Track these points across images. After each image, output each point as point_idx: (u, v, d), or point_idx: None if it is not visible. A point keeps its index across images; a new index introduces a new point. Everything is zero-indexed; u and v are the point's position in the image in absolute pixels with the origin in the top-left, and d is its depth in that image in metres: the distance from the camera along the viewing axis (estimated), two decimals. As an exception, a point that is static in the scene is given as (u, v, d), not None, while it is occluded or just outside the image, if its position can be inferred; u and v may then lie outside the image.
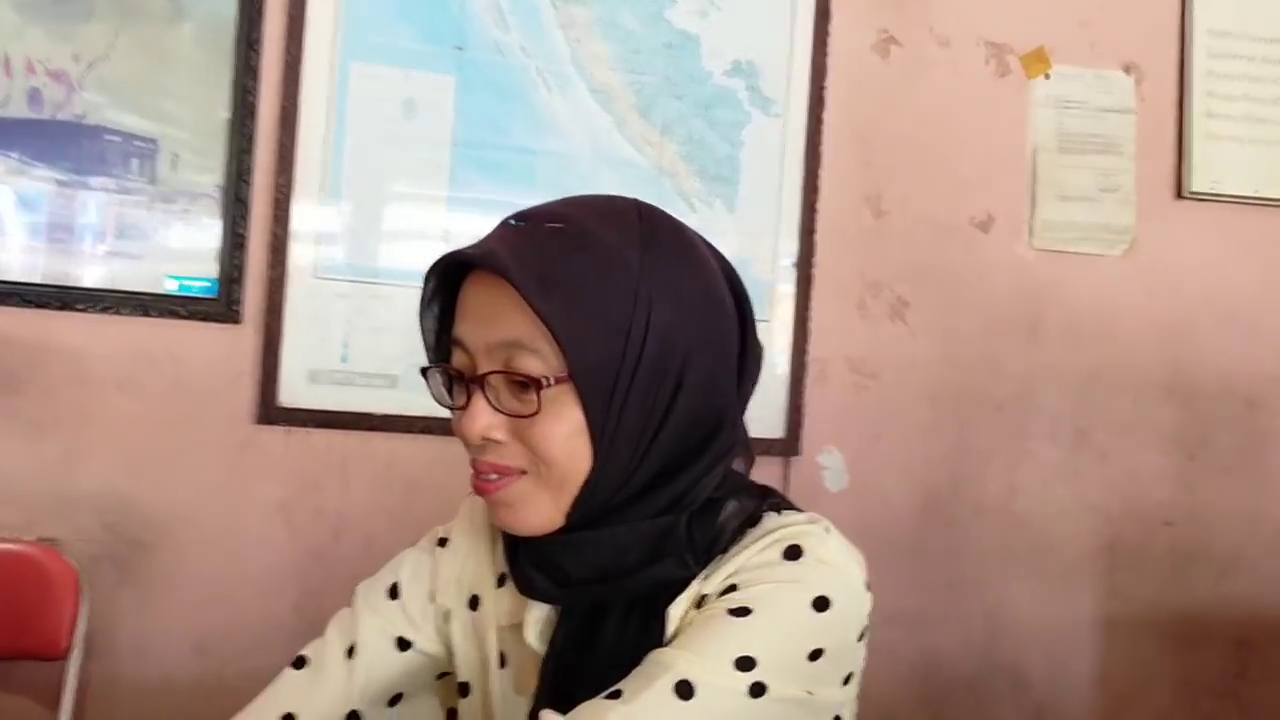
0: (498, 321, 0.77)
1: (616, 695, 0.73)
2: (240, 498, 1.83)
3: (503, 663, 0.88)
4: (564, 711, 0.73)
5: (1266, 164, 2.19)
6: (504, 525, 0.81)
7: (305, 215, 1.85)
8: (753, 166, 2.02)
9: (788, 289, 2.03)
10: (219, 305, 1.83)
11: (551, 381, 0.75)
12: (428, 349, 0.85)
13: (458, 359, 0.80)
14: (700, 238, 0.86)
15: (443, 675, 0.95)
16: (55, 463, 1.76)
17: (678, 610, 0.80)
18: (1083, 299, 2.11)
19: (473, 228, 1.90)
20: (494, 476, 0.79)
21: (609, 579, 0.79)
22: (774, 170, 2.03)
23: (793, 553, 0.79)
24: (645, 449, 0.78)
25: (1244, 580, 2.13)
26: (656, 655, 0.76)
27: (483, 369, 0.77)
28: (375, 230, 1.89)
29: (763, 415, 2.02)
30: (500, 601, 0.88)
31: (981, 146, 2.10)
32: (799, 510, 0.86)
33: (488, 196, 1.92)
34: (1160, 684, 2.12)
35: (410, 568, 0.94)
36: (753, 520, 0.83)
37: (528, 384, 0.76)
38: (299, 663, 0.92)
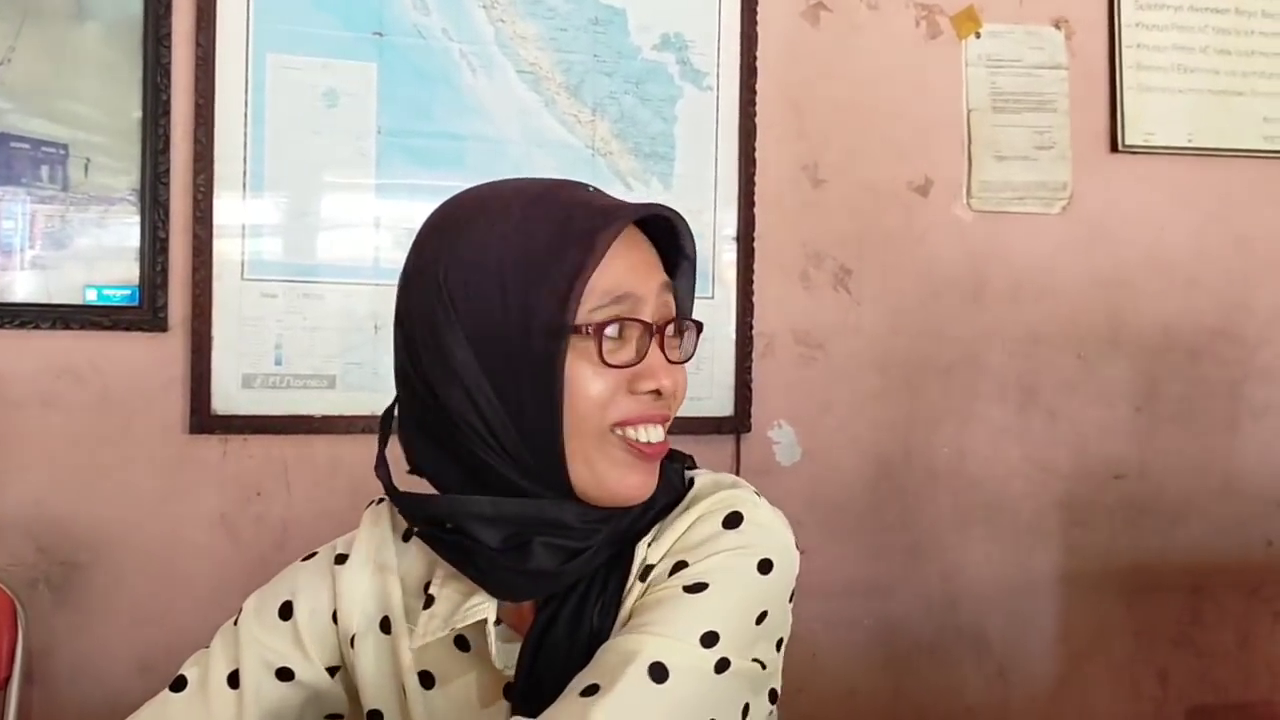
0: (658, 269, 0.79)
1: (593, 690, 0.70)
2: (178, 510, 1.78)
3: (428, 683, 0.83)
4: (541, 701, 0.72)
5: (1198, 113, 2.19)
6: (641, 496, 0.78)
7: (228, 214, 1.79)
8: (687, 141, 1.99)
9: (730, 263, 2.00)
10: (143, 313, 1.77)
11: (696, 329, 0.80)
12: (568, 309, 0.75)
13: (624, 310, 0.76)
14: None
15: (331, 717, 0.89)
16: (-19, 486, 1.70)
17: (640, 555, 0.79)
18: (1023, 258, 2.11)
19: (403, 216, 1.85)
20: (659, 436, 0.78)
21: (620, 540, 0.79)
22: (709, 144, 2.00)
23: (733, 520, 0.79)
24: None
25: (1195, 528, 2.15)
26: (621, 642, 0.74)
27: (655, 317, 0.77)
28: (302, 226, 1.84)
29: (711, 393, 2.00)
30: (431, 620, 0.82)
31: (916, 110, 2.08)
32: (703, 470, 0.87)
33: (417, 183, 1.86)
34: (1118, 635, 2.13)
35: (307, 587, 0.88)
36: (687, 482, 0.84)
37: (688, 329, 0.80)
38: (178, 684, 0.86)
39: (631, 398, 0.77)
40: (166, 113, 1.78)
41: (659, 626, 0.73)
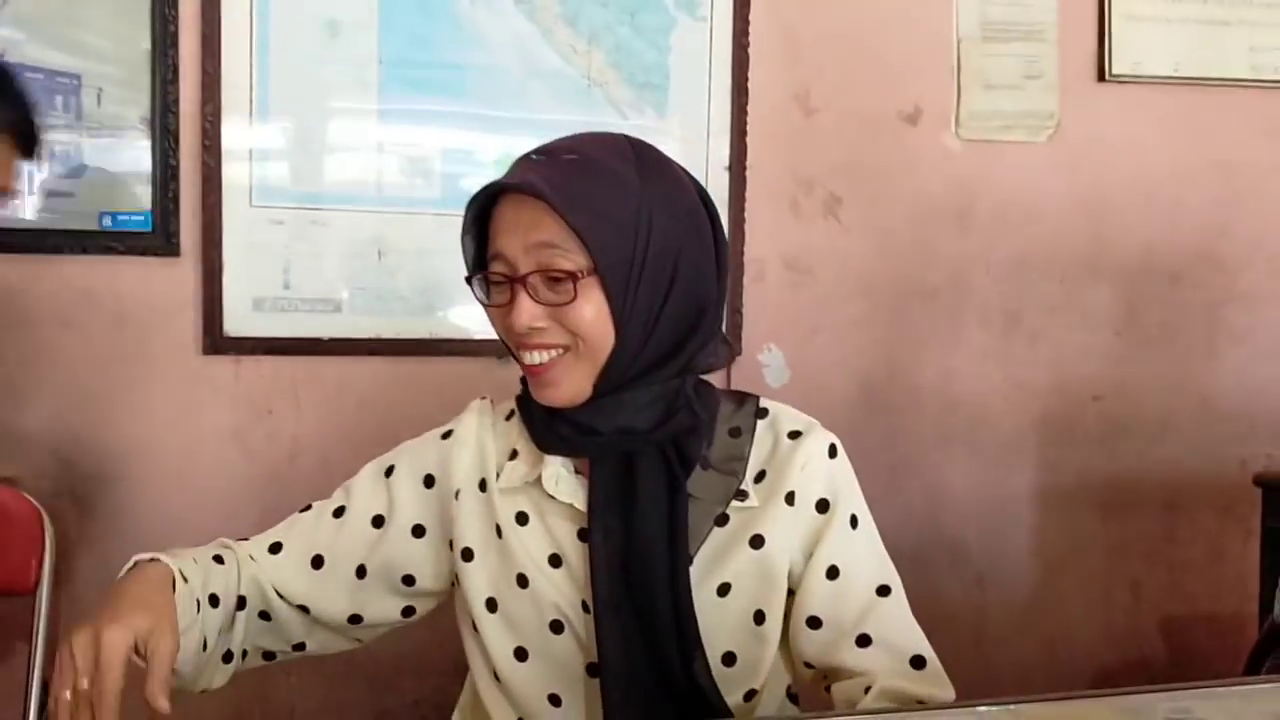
0: (533, 230, 0.95)
1: (866, 642, 1.00)
2: (194, 427, 1.87)
3: (523, 521, 1.03)
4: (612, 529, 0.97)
5: (1185, 43, 2.22)
6: (550, 401, 0.99)
7: (236, 143, 1.86)
8: (681, 71, 2.04)
9: (721, 192, 2.06)
10: (156, 239, 1.84)
11: (581, 275, 0.94)
12: (468, 264, 1.02)
13: (497, 266, 0.98)
14: (678, 165, 1.04)
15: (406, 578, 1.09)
16: (6, 404, 1.79)
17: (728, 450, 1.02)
18: (1009, 186, 2.16)
19: (404, 144, 1.91)
20: (540, 358, 0.97)
21: (633, 432, 0.99)
22: (702, 74, 2.05)
23: (833, 451, 1.05)
24: (652, 327, 0.97)
25: (1170, 448, 2.24)
26: (852, 581, 1.01)
27: (522, 270, 0.96)
28: (308, 154, 1.90)
29: (703, 317, 2.07)
30: (514, 471, 1.04)
31: (907, 39, 2.13)
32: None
33: (417, 111, 1.92)
34: (1093, 549, 2.23)
35: (409, 458, 1.10)
36: (758, 410, 1.06)
37: (562, 278, 0.94)
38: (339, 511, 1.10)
39: (517, 331, 0.97)
40: (175, 43, 1.83)
41: (853, 560, 1.03)
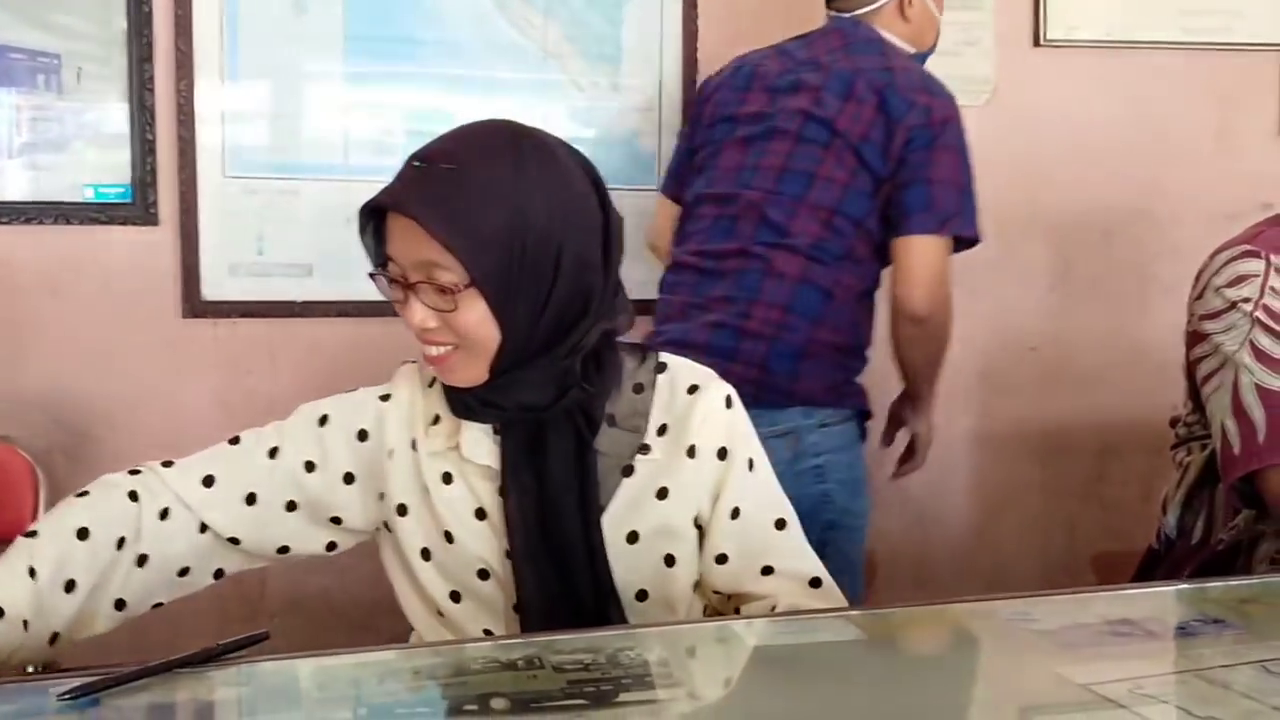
0: (417, 247, 1.02)
1: (769, 571, 1.11)
2: (176, 387, 1.99)
3: (448, 480, 1.13)
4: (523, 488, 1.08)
5: (1118, 8, 2.33)
6: (450, 382, 1.10)
7: (209, 117, 1.96)
8: (633, 44, 2.14)
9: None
10: (136, 209, 1.95)
11: (461, 287, 1.02)
12: (370, 259, 1.09)
13: (393, 269, 1.06)
14: (560, 143, 1.10)
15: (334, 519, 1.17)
16: (1, 368, 1.90)
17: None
18: (949, 148, 2.27)
19: (370, 120, 2.02)
20: (435, 351, 1.07)
21: (532, 407, 1.08)
22: (654, 46, 2.15)
23: (729, 402, 1.14)
24: (538, 319, 1.05)
25: (1102, 395, 2.36)
26: (753, 519, 1.12)
27: (412, 279, 1.04)
28: (278, 127, 2.01)
29: (657, 280, 2.18)
30: (436, 435, 1.14)
31: (850, 8, 2.22)
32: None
33: (382, 87, 2.03)
34: (1029, 492, 2.36)
35: (345, 410, 1.17)
36: (658, 365, 1.16)
37: (445, 290, 1.02)
38: (234, 440, 1.17)
39: (412, 329, 1.07)
40: (149, 23, 1.93)
41: (756, 498, 1.13)
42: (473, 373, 1.07)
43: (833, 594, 1.13)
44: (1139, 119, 2.35)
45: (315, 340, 2.02)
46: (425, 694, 0.84)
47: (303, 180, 2.00)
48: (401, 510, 1.14)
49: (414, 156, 1.05)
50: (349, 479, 1.15)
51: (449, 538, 1.11)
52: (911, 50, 1.86)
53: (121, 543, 1.08)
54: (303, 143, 2.02)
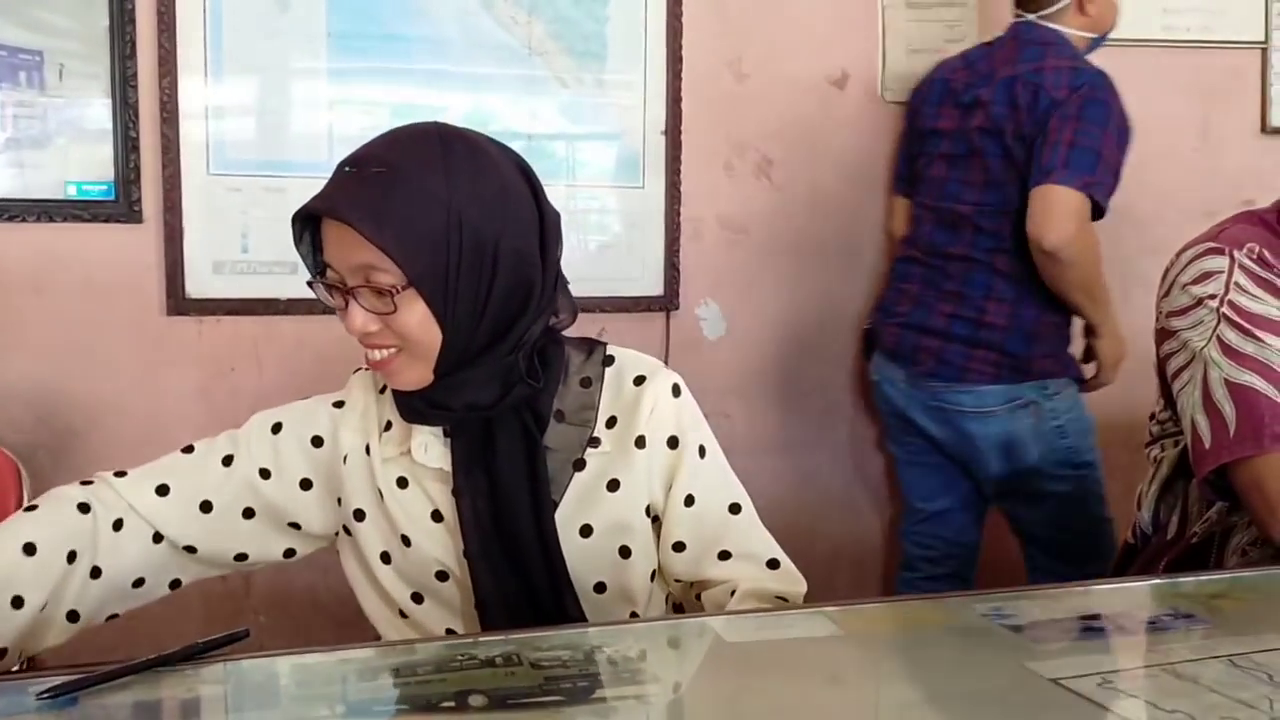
0: (352, 251, 1.02)
1: (726, 556, 1.12)
2: (161, 384, 1.99)
3: (403, 485, 1.14)
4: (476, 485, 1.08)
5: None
6: (395, 386, 1.09)
7: (192, 115, 1.96)
8: (618, 41, 2.15)
9: (659, 155, 2.18)
10: (119, 206, 1.95)
11: (399, 289, 1.01)
12: (308, 268, 1.10)
13: (331, 275, 1.06)
14: (491, 140, 1.10)
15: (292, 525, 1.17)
16: (-17, 364, 1.91)
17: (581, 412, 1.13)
18: (932, 146, 2.28)
19: (354, 117, 2.02)
20: (378, 355, 1.06)
21: (479, 406, 1.08)
22: (638, 43, 2.16)
23: (676, 390, 1.15)
24: (479, 317, 1.05)
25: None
26: (707, 506, 1.13)
27: (350, 283, 1.03)
28: (262, 125, 2.01)
29: (643, 275, 2.20)
30: (389, 441, 1.14)
31: (834, 6, 2.24)
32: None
33: (367, 84, 2.03)
34: (1012, 487, 2.38)
35: (300, 418, 1.17)
36: (605, 359, 1.16)
37: (383, 292, 1.02)
38: (188, 449, 1.17)
39: (353, 334, 1.07)
40: (132, 20, 1.93)
41: (708, 484, 1.14)
42: (417, 374, 1.06)
43: (792, 575, 1.14)
44: (1120, 116, 2.36)
45: (300, 337, 2.02)
46: (404, 691, 0.84)
47: (287, 177, 2.00)
48: (359, 515, 1.15)
49: (344, 162, 1.05)
50: (306, 485, 1.16)
51: (406, 541, 1.12)
52: (1091, 36, 2.06)
53: (73, 556, 1.07)
54: (287, 140, 2.02)
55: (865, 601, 0.99)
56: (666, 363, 2.19)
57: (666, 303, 2.20)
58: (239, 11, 1.97)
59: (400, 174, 1.02)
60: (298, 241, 1.08)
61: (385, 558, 1.15)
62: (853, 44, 2.25)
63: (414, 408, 1.10)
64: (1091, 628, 0.95)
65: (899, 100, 2.27)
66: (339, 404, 1.18)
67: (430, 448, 1.12)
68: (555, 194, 2.05)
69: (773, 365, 2.27)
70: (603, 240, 2.18)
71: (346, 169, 1.04)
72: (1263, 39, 2.43)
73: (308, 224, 1.07)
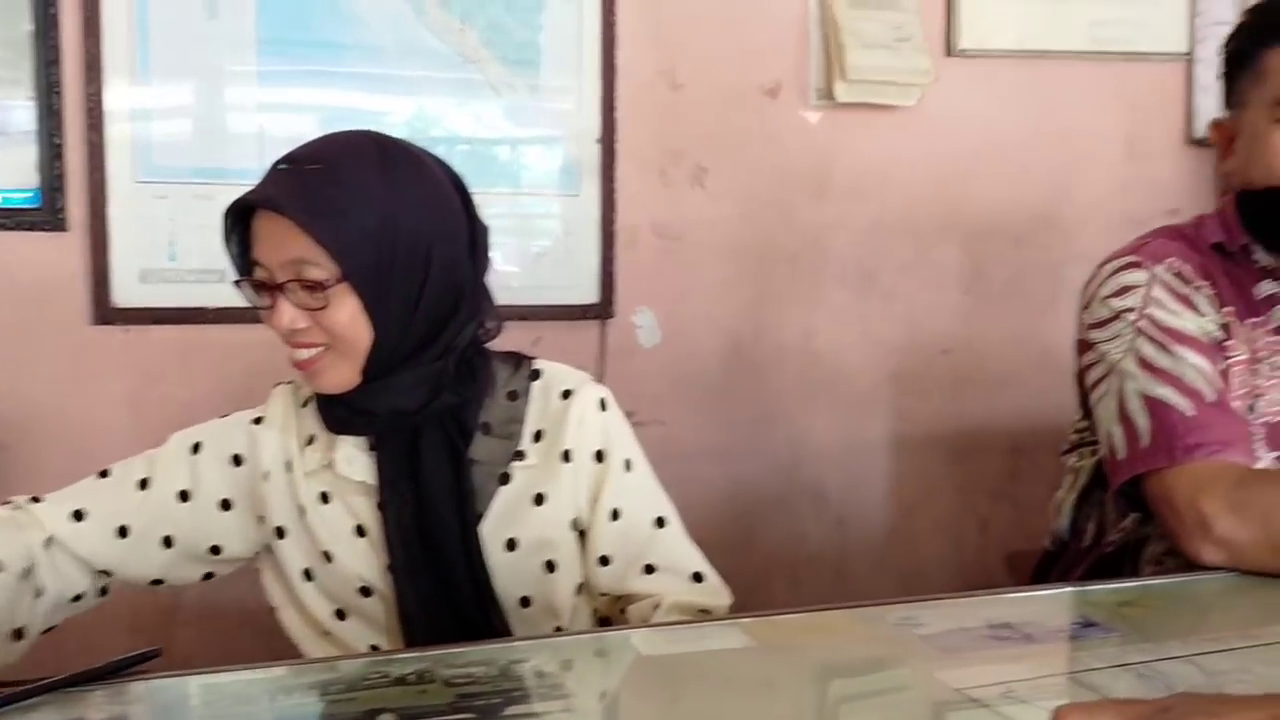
0: (286, 245, 1.02)
1: (651, 570, 1.13)
2: (87, 395, 1.96)
3: (326, 500, 1.13)
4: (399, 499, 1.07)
5: (1029, 17, 2.38)
6: (319, 389, 1.09)
7: (118, 121, 1.93)
8: (552, 49, 2.15)
9: (593, 163, 2.18)
10: (44, 214, 1.91)
11: (332, 282, 1.02)
12: (235, 267, 1.10)
13: (259, 273, 1.06)
14: (425, 151, 1.12)
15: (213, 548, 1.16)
16: (-99, 375, 1.86)
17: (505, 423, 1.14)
18: (865, 155, 2.32)
19: (283, 123, 2.01)
20: (304, 354, 1.06)
21: (404, 412, 1.08)
22: (573, 52, 2.16)
23: (603, 404, 1.16)
24: (410, 317, 1.06)
25: (1013, 396, 2.42)
26: (633, 520, 1.13)
27: (280, 278, 1.04)
28: (189, 131, 1.98)
29: (578, 282, 2.20)
30: (312, 454, 1.13)
31: (766, 17, 2.25)
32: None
33: (297, 89, 2.02)
34: (944, 490, 2.42)
35: (218, 437, 1.17)
36: (532, 373, 1.17)
37: (315, 286, 1.02)
38: (104, 474, 1.17)
39: (280, 332, 1.07)
40: (55, 25, 1.89)
41: (632, 499, 1.15)
42: (343, 375, 1.06)
43: (716, 588, 1.15)
44: (1048, 127, 2.42)
45: (229, 346, 2.00)
46: (313, 710, 0.84)
47: (216, 184, 1.97)
48: (280, 533, 1.14)
49: (280, 160, 1.06)
50: (226, 505, 1.15)
51: (328, 557, 1.12)
52: None
53: (25, 573, 1.08)
54: (216, 146, 1.99)
55: (781, 612, 1.00)
56: (602, 371, 2.22)
57: (602, 310, 2.21)
58: (166, 17, 1.94)
59: (337, 171, 1.03)
60: (226, 240, 1.08)
61: (307, 575, 1.14)
62: (785, 55, 2.27)
63: (337, 416, 1.10)
64: (1001, 636, 0.97)
65: (832, 109, 2.29)
66: (258, 420, 1.17)
67: (354, 460, 1.12)
68: (490, 201, 2.07)
69: (709, 371, 2.28)
70: (538, 248, 2.18)
71: (282, 166, 1.05)
72: (1187, 51, 2.48)
73: (237, 223, 1.07)
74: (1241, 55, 1.28)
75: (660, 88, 2.21)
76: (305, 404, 1.16)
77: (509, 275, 2.12)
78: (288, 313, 1.03)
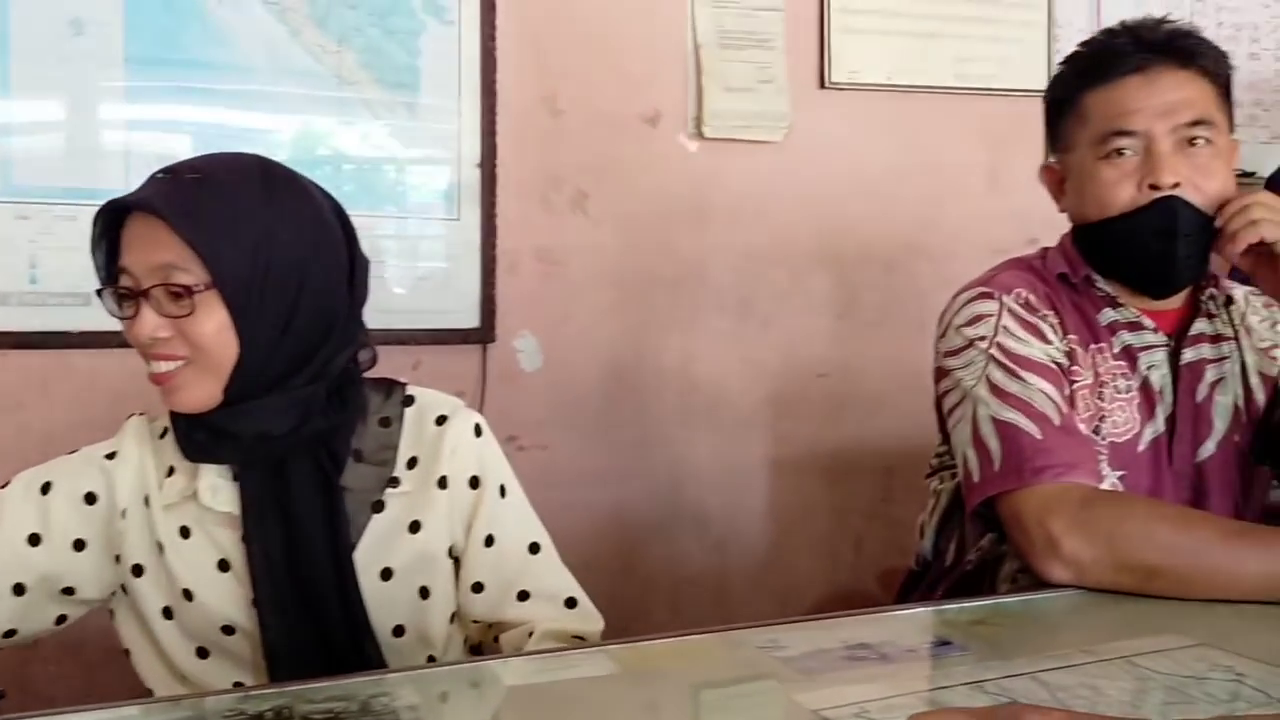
0: (155, 248, 1.01)
1: (525, 597, 1.13)
2: (-62, 423, 1.87)
3: (186, 535, 1.09)
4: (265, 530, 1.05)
5: (898, 54, 2.47)
6: (177, 406, 1.05)
7: (-25, 139, 1.86)
8: (431, 73, 2.14)
9: (474, 188, 2.18)
10: (-108, 235, 1.83)
11: (200, 288, 1.00)
12: (99, 277, 1.07)
13: (125, 280, 1.03)
14: (311, 184, 1.11)
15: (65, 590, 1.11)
16: None
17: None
18: (742, 184, 2.37)
19: (153, 141, 1.96)
20: (164, 367, 1.03)
21: (270, 437, 1.05)
22: (452, 76, 2.16)
23: (478, 430, 1.16)
24: (280, 337, 1.05)
25: (886, 419, 2.49)
26: (507, 546, 1.13)
27: (145, 284, 1.01)
28: (54, 151, 1.92)
29: (459, 307, 2.20)
30: (172, 486, 1.09)
31: (647, 46, 2.29)
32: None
33: (166, 106, 1.97)
34: (820, 511, 2.47)
35: (68, 475, 1.12)
36: (405, 399, 1.16)
37: (182, 293, 1.00)
38: None
39: (141, 343, 1.05)
40: (-94, 38, 1.82)
41: (509, 527, 1.15)
42: (204, 392, 1.03)
43: (589, 613, 1.16)
44: (917, 159, 2.51)
45: (93, 373, 1.94)
46: (167, 751, 0.82)
47: (81, 205, 1.91)
48: (137, 571, 1.10)
49: (159, 170, 1.04)
50: (80, 545, 1.10)
51: (189, 595, 1.09)
52: None
53: None
54: (81, 166, 1.93)
55: (649, 638, 1.02)
56: (483, 395, 2.20)
57: (483, 335, 2.20)
58: (29, 32, 1.88)
59: (217, 182, 1.03)
60: (94, 248, 1.06)
61: (167, 613, 1.11)
62: (666, 83, 2.31)
63: (198, 441, 1.06)
64: (858, 657, 1.00)
65: (710, 138, 2.34)
66: (111, 455, 1.12)
67: (219, 490, 1.09)
68: (377, 223, 2.08)
69: (590, 397, 2.30)
70: (418, 273, 2.17)
71: (160, 174, 1.04)
72: (1045, 88, 2.60)
73: (106, 231, 1.05)
74: (1062, 102, 1.37)
75: (541, 113, 2.23)
76: (163, 434, 1.13)
77: (387, 300, 2.11)
78: (150, 320, 1.01)
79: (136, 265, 1.02)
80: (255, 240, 1.01)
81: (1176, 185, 1.27)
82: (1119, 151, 1.30)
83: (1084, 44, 1.39)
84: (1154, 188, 1.28)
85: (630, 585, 2.31)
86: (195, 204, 1.00)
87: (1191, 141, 1.29)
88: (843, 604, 2.49)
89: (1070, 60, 1.40)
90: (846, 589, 2.49)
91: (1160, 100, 1.29)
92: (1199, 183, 1.28)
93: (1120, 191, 1.30)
